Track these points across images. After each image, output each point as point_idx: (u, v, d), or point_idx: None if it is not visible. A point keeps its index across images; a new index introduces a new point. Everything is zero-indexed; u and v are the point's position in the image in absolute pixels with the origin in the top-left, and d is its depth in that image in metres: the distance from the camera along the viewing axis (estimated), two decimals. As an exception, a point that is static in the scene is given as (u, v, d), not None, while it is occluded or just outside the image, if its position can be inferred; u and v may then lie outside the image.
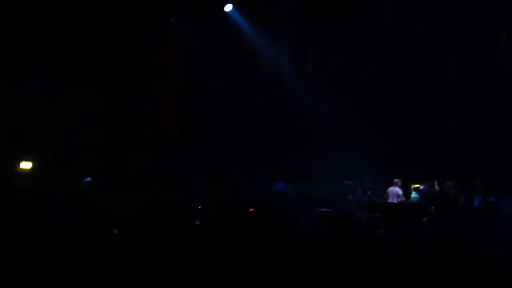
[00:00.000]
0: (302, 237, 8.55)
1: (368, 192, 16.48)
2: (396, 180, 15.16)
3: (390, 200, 14.94)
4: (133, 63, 16.51)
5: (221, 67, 17.66)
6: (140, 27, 16.34)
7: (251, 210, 9.12)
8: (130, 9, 15.83)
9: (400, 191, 14.98)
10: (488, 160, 15.28)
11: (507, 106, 15.21)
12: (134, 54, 16.52)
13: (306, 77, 17.88)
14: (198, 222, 8.55)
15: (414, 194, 15.36)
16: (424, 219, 13.52)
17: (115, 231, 6.71)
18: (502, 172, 14.88)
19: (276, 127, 18.30)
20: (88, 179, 13.50)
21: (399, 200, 14.92)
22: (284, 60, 18.28)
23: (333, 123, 17.04)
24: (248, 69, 17.93)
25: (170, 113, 17.56)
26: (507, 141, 15.11)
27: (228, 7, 17.29)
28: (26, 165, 15.38)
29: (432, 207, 14.18)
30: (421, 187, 15.43)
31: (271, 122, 18.21)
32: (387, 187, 15.39)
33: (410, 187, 15.44)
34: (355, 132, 16.45)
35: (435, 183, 14.57)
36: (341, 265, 5.85)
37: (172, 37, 17.60)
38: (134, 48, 16.51)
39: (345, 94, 17.34)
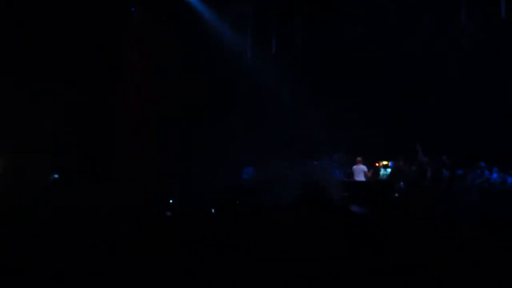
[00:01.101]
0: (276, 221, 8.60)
1: (337, 172, 16.55)
2: (358, 158, 15.30)
3: (356, 178, 15.05)
4: (93, 56, 16.23)
5: (184, 55, 17.48)
6: (99, 17, 16.03)
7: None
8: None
9: (365, 168, 15.13)
10: (454, 133, 15.47)
11: (472, 79, 15.42)
12: (93, 47, 16.23)
13: (269, 60, 17.80)
14: (169, 214, 8.55)
15: (383, 171, 15.52)
16: (396, 195, 13.69)
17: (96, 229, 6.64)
18: (468, 144, 15.12)
19: (241, 112, 18.25)
20: (56, 175, 13.31)
21: (365, 177, 15.05)
22: (247, 44, 18.17)
23: (298, 105, 17.01)
24: (211, 55, 17.80)
25: (134, 106, 17.32)
26: (474, 113, 15.35)
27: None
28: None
29: (401, 183, 14.38)
30: (389, 163, 15.60)
31: (236, 108, 18.15)
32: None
33: (379, 164, 15.61)
34: (320, 113, 16.43)
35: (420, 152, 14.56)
36: (319, 249, 5.87)
37: (132, 27, 17.32)
38: (93, 40, 16.22)
39: (308, 75, 17.38)
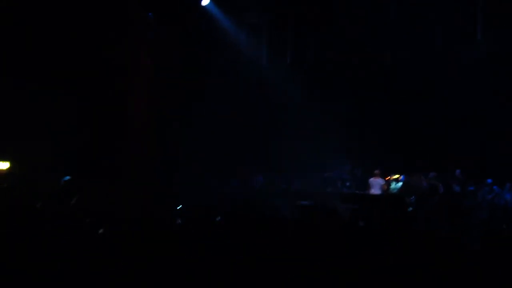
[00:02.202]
0: (282, 231, 8.58)
1: (347, 184, 16.55)
2: (376, 171, 15.26)
3: (373, 191, 15.02)
4: (102, 61, 16.29)
5: (199, 62, 17.56)
6: (110, 21, 16.12)
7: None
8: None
9: (382, 182, 15.09)
10: (465, 149, 15.44)
11: (479, 94, 15.38)
12: (103, 52, 16.30)
13: (284, 70, 17.86)
14: (179, 221, 8.54)
15: (393, 185, 15.48)
16: (410, 209, 13.66)
17: (101, 231, 6.65)
18: (479, 161, 15.08)
19: (254, 121, 18.30)
20: (67, 177, 13.33)
21: (382, 191, 15.02)
22: (263, 53, 18.24)
23: (311, 116, 17.03)
24: (226, 63, 17.88)
25: (143, 110, 17.33)
26: (484, 130, 15.31)
27: (205, 1, 17.15)
28: (3, 165, 15.18)
29: (412, 197, 14.34)
30: (401, 177, 15.55)
31: (249, 116, 18.19)
32: (365, 179, 15.51)
33: (390, 178, 15.56)
34: (333, 124, 16.45)
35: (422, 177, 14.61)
36: (323, 258, 5.85)
37: (145, 31, 17.39)
38: (103, 46, 16.29)
39: (322, 87, 17.43)
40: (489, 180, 14.31)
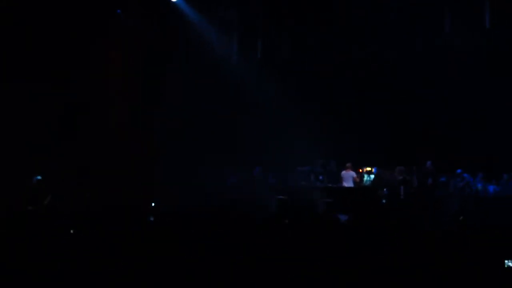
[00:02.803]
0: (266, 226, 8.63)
1: (320, 178, 16.62)
2: (348, 164, 15.38)
3: (345, 184, 15.14)
4: (78, 57, 16.14)
5: (170, 58, 17.46)
6: (84, 20, 15.95)
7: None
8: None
9: (354, 174, 15.22)
10: (436, 141, 15.64)
11: (448, 88, 15.61)
12: (77, 49, 16.14)
13: (255, 66, 17.86)
14: (152, 218, 8.53)
15: (366, 178, 15.62)
16: (384, 201, 13.81)
17: (72, 231, 6.61)
18: (449, 152, 15.29)
19: (227, 116, 18.26)
20: (38, 177, 13.19)
21: (354, 183, 15.15)
22: (233, 48, 18.21)
23: (282, 110, 17.05)
24: (196, 58, 17.80)
25: (119, 106, 17.22)
26: (453, 122, 15.55)
27: (175, -3, 17.08)
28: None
29: (385, 189, 14.51)
30: (373, 170, 15.70)
31: (222, 112, 18.15)
32: (339, 172, 15.63)
33: (362, 170, 15.70)
34: (305, 118, 16.52)
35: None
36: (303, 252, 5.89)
37: (117, 29, 17.24)
38: (77, 42, 16.13)
39: (294, 82, 17.48)
40: (459, 170, 14.52)
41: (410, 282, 4.94)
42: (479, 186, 14.51)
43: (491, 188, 14.55)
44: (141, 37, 17.08)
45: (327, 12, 16.82)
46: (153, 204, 13.74)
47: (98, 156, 16.10)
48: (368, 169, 15.69)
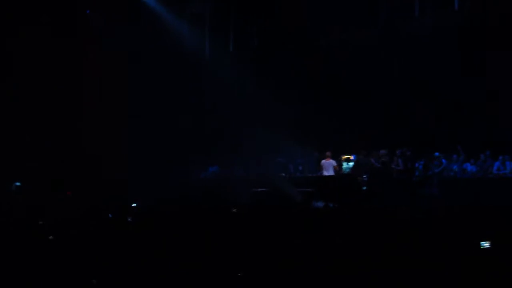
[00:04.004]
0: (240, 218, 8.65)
1: (300, 168, 16.68)
2: (328, 153, 15.43)
3: (325, 173, 15.19)
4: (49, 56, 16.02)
5: (143, 55, 17.37)
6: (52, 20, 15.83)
7: None
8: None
9: (334, 163, 15.28)
10: (412, 125, 15.74)
11: (422, 74, 15.72)
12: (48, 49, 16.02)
13: (228, 58, 17.83)
14: (130, 219, 8.51)
15: (345, 165, 15.69)
16: (364, 188, 13.90)
17: (51, 237, 6.57)
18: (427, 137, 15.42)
19: (200, 112, 18.25)
20: (17, 183, 13.10)
21: (334, 171, 15.21)
22: (206, 41, 18.14)
23: (257, 102, 17.01)
24: (168, 54, 17.73)
25: (93, 106, 17.12)
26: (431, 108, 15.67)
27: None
28: None
29: (364, 176, 14.59)
30: (352, 157, 15.78)
31: (195, 108, 18.14)
32: (318, 162, 15.69)
33: (341, 158, 15.77)
34: (282, 109, 16.51)
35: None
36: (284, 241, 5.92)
37: (88, 28, 17.12)
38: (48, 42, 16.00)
39: (266, 74, 17.47)
40: (437, 153, 14.63)
41: (390, 265, 4.98)
42: (455, 168, 14.65)
43: (469, 168, 14.68)
44: (111, 36, 16.96)
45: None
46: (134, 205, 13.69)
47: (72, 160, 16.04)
48: (347, 156, 15.78)
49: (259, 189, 14.62)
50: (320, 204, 11.46)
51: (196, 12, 17.72)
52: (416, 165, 14.71)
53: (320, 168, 15.52)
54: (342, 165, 15.69)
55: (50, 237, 6.61)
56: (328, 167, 15.28)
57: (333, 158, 15.47)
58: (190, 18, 17.89)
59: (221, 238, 6.20)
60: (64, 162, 15.90)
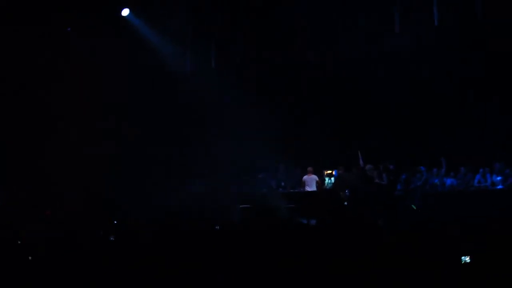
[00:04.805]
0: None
1: (282, 183, 16.66)
2: (309, 168, 15.46)
3: (308, 188, 15.20)
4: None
5: (123, 72, 17.31)
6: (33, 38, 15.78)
7: None
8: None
9: (316, 178, 15.31)
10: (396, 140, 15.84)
11: (405, 88, 15.82)
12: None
13: (210, 74, 17.82)
14: (112, 238, 8.40)
15: (327, 180, 15.72)
16: (345, 203, 13.91)
17: (30, 258, 6.51)
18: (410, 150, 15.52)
19: (182, 127, 18.19)
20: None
21: (317, 187, 15.23)
22: (186, 59, 18.12)
23: (240, 118, 16.98)
24: (150, 71, 17.69)
25: (70, 122, 17.01)
26: (409, 119, 15.80)
27: (125, 12, 16.91)
28: None
29: (347, 191, 14.59)
30: (333, 172, 15.81)
31: (177, 123, 18.08)
32: (300, 177, 15.70)
33: (324, 173, 15.79)
34: (262, 125, 16.48)
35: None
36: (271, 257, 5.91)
37: (67, 46, 17.05)
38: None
39: (249, 89, 17.47)
40: (422, 168, 14.73)
41: (373, 279, 4.99)
42: (436, 182, 14.75)
43: (449, 181, 14.80)
44: (93, 54, 16.90)
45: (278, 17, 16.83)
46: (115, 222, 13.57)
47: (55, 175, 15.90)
48: (329, 171, 15.81)
49: (245, 206, 14.57)
50: (303, 220, 11.44)
51: (178, 28, 17.69)
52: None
53: (302, 184, 15.52)
54: (324, 180, 15.73)
55: (30, 258, 6.55)
56: (310, 182, 15.31)
57: (315, 174, 15.51)
58: (171, 35, 17.84)
59: (203, 257, 6.17)
60: (40, 180, 15.75)
